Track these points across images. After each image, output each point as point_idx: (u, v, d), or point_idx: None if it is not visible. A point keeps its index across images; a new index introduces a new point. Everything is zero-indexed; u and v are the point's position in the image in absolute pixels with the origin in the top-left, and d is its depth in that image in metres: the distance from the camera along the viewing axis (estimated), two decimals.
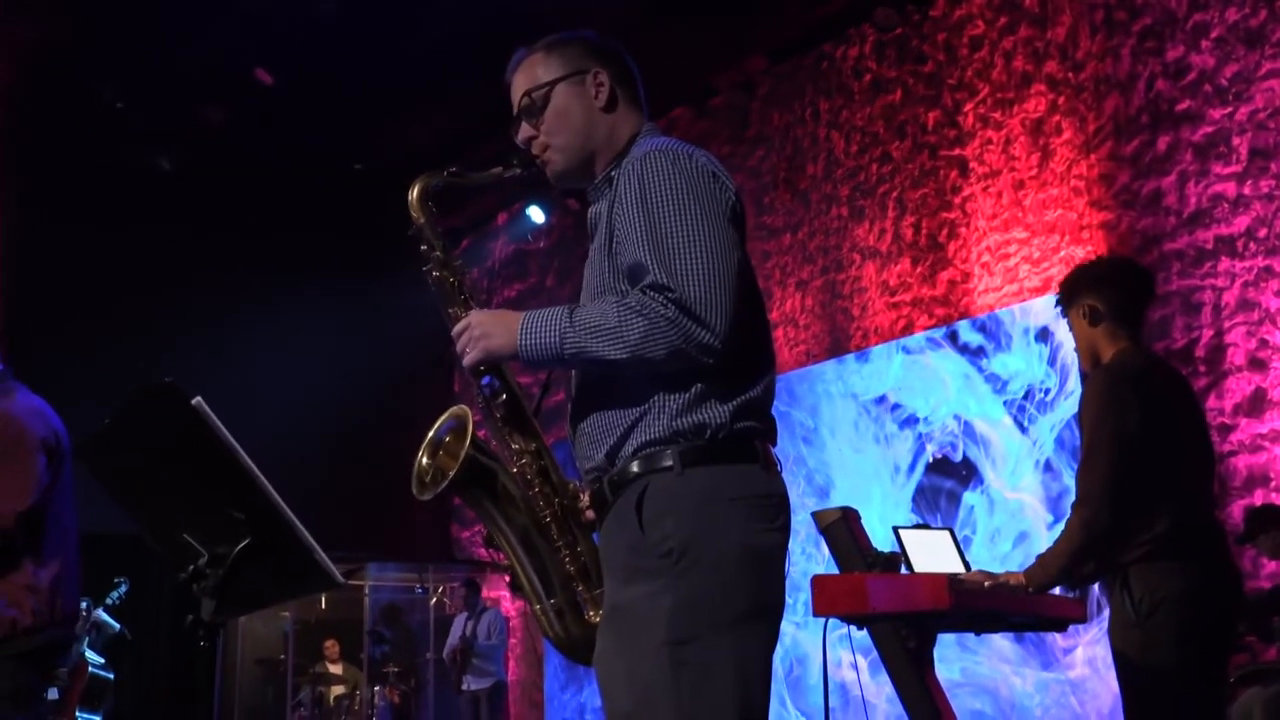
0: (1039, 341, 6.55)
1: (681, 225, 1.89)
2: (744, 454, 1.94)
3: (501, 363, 2.03)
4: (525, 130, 2.14)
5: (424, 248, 2.15)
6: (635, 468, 1.93)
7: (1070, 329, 3.36)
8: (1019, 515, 6.50)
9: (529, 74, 2.15)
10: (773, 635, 1.92)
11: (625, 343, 1.85)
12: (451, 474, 2.02)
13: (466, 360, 1.99)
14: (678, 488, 1.89)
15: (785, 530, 1.96)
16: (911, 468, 7.06)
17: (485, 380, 2.05)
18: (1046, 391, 6.48)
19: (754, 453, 1.96)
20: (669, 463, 1.90)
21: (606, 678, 1.93)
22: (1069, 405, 6.28)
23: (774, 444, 2.03)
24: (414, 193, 2.15)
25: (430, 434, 2.14)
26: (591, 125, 2.12)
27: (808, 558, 6.86)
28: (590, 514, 2.09)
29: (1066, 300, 3.33)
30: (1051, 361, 6.49)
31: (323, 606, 11.15)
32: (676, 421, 1.91)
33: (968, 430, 6.83)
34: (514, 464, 2.09)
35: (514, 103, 2.16)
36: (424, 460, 2.12)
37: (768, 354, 2.04)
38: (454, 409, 2.13)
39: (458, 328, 2.01)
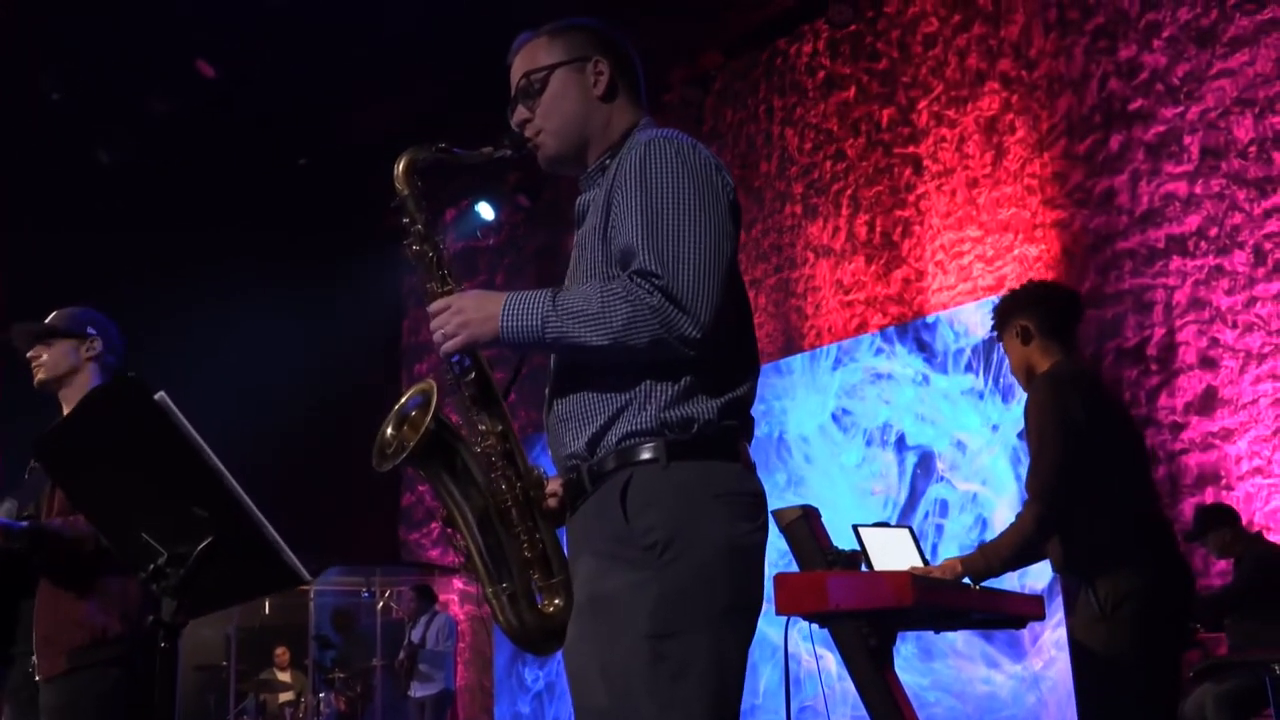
0: (982, 371, 6.51)
1: (678, 214, 1.88)
2: (727, 451, 1.95)
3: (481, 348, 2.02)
4: (520, 113, 2.14)
5: (405, 220, 2.11)
6: (618, 458, 1.92)
7: (1005, 351, 3.51)
8: (987, 512, 6.48)
9: (530, 57, 2.14)
10: (751, 632, 1.92)
11: (608, 329, 1.84)
12: (411, 446, 1.97)
13: (449, 346, 1.96)
14: (663, 480, 1.88)
15: (765, 530, 1.96)
16: (879, 468, 7.02)
17: (455, 358, 2.02)
18: (989, 424, 6.46)
19: (736, 451, 1.97)
20: (654, 455, 1.89)
21: (579, 667, 1.90)
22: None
23: (750, 442, 2.03)
24: (400, 165, 2.11)
25: (396, 407, 2.08)
26: (587, 113, 2.11)
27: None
28: (553, 503, 2.05)
29: (1000, 325, 3.49)
30: (997, 383, 6.45)
31: (266, 611, 10.93)
32: (665, 414, 1.90)
33: (930, 431, 6.81)
34: (479, 445, 2.04)
35: (512, 84, 2.16)
36: (389, 431, 2.07)
37: (753, 354, 2.05)
38: (421, 384, 2.07)
39: (437, 305, 1.99)
